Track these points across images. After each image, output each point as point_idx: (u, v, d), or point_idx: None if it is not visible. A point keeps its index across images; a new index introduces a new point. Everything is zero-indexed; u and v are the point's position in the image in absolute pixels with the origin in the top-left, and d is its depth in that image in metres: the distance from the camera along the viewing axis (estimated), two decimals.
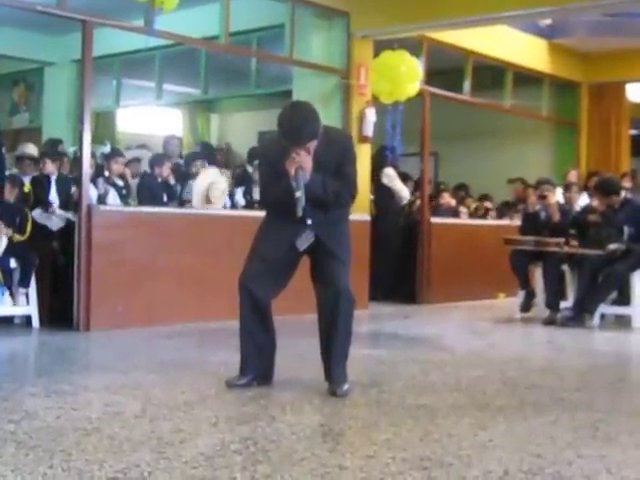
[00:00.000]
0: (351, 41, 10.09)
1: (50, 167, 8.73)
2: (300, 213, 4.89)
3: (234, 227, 8.52)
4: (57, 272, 8.18)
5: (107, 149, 10.04)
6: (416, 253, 10.90)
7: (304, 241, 4.99)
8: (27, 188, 8.43)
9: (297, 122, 4.86)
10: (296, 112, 4.94)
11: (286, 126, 4.88)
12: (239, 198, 9.76)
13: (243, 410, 4.60)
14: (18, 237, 7.87)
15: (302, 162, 4.88)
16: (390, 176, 10.80)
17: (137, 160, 10.22)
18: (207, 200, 8.84)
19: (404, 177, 11.50)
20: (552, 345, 7.92)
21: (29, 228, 7.96)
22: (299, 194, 4.86)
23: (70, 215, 8.31)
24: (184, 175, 9.85)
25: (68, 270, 7.91)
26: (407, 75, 10.00)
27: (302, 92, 10.07)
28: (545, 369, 6.39)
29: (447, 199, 11.92)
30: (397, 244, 10.93)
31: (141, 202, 8.89)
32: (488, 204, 12.68)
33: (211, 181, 8.95)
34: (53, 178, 8.71)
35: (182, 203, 9.33)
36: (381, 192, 10.87)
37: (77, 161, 8.67)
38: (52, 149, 10.01)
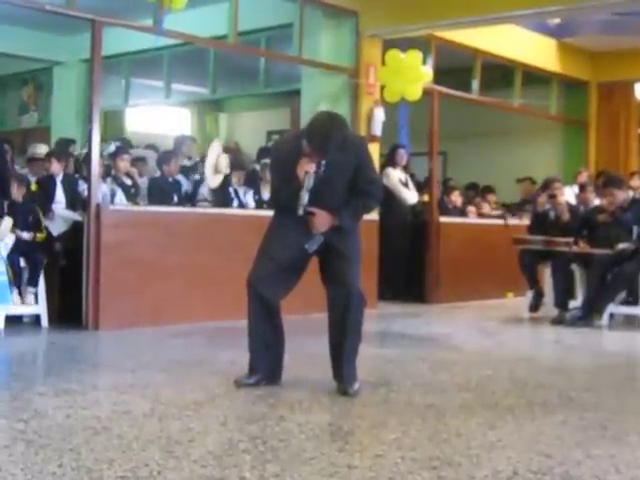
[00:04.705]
0: (360, 40, 10.09)
1: (56, 167, 8.73)
2: (301, 212, 4.95)
3: (243, 226, 8.52)
4: (65, 272, 8.20)
5: (112, 148, 10.05)
6: (425, 253, 10.89)
7: (313, 243, 5.00)
8: (33, 187, 8.45)
9: (326, 134, 4.84)
10: (327, 123, 4.91)
11: (315, 136, 4.87)
12: (249, 200, 9.72)
13: (252, 409, 4.61)
14: (40, 236, 7.92)
15: (310, 167, 4.93)
16: (390, 177, 10.77)
17: (142, 159, 10.22)
18: (216, 170, 9.13)
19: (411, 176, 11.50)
20: (561, 345, 7.90)
21: (44, 225, 8.02)
22: (302, 193, 4.93)
23: (77, 215, 8.33)
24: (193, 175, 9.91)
25: (71, 271, 7.95)
26: (424, 75, 10.02)
27: (311, 91, 10.09)
28: (554, 369, 6.38)
29: (454, 197, 11.86)
30: (404, 243, 10.91)
31: (151, 202, 8.88)
32: (492, 197, 12.62)
33: (219, 153, 9.26)
34: (59, 178, 8.71)
35: (194, 203, 9.34)
36: (384, 192, 10.81)
37: (85, 161, 8.69)
38: (63, 149, 10.01)
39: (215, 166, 9.06)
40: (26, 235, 7.83)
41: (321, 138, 4.84)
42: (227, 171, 9.29)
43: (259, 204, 9.73)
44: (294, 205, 4.96)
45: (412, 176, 11.67)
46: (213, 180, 9.12)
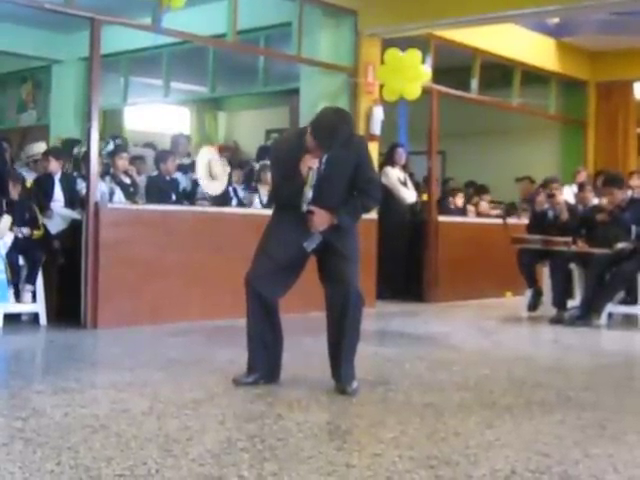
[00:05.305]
0: (359, 39, 10.10)
1: (54, 165, 8.72)
2: (305, 208, 4.97)
3: (241, 225, 8.53)
4: (64, 270, 8.20)
5: (111, 147, 10.05)
6: (423, 252, 10.90)
7: (312, 242, 5.00)
8: (28, 184, 8.44)
9: (333, 127, 4.83)
10: (334, 117, 4.91)
11: (321, 129, 4.85)
12: (256, 204, 9.67)
13: (250, 408, 4.61)
14: (37, 233, 7.92)
15: (314, 163, 4.94)
16: (388, 176, 10.78)
17: (141, 158, 10.21)
18: (212, 177, 8.85)
19: (410, 175, 11.51)
20: (559, 344, 7.91)
21: (41, 222, 8.02)
22: (306, 189, 4.95)
23: (75, 214, 8.33)
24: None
25: (69, 269, 7.95)
26: (423, 74, 10.03)
27: (310, 90, 10.09)
28: (552, 368, 6.39)
29: (458, 199, 11.84)
30: (402, 242, 10.92)
31: (150, 201, 8.87)
32: (487, 197, 12.61)
33: (210, 159, 8.93)
34: (57, 177, 8.70)
35: (193, 202, 9.32)
36: (383, 191, 10.82)
37: (83, 159, 8.69)
38: (69, 150, 10.00)
39: (209, 173, 8.83)
40: (24, 230, 7.82)
41: (328, 131, 4.83)
42: (224, 175, 9.07)
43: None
44: (297, 202, 4.97)
45: (411, 175, 11.68)
46: (210, 187, 8.89)
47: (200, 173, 8.83)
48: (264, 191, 9.65)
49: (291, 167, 4.96)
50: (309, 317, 7.41)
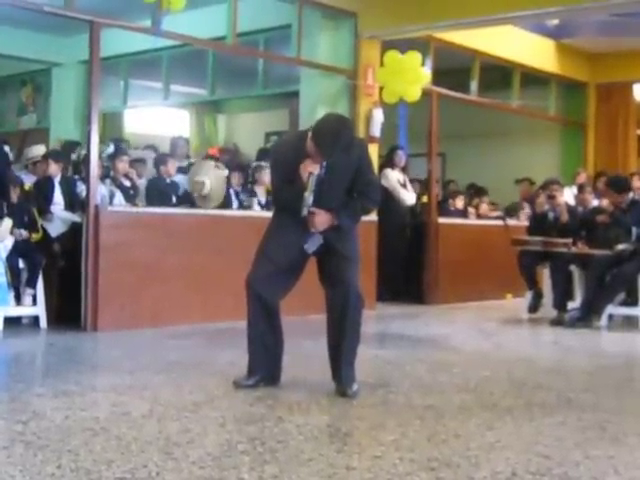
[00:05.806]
0: (358, 42, 10.10)
1: (54, 168, 8.72)
2: (305, 213, 4.97)
3: (242, 228, 8.52)
4: (64, 273, 8.20)
5: (111, 149, 10.05)
6: (423, 254, 10.90)
7: (312, 244, 5.01)
8: (27, 187, 8.45)
9: (335, 133, 4.84)
10: (336, 123, 4.93)
11: (324, 135, 4.85)
12: (255, 206, 9.66)
13: (251, 410, 4.61)
14: (36, 236, 7.93)
15: (314, 168, 4.94)
16: (388, 178, 10.79)
17: (142, 161, 10.21)
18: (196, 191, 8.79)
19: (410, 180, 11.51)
20: (559, 346, 7.90)
21: (39, 225, 8.02)
22: (307, 194, 4.94)
23: (75, 217, 8.33)
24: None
25: (69, 272, 7.95)
26: (423, 76, 10.03)
27: (309, 93, 10.10)
28: (552, 370, 6.39)
29: (459, 201, 11.82)
30: (402, 244, 10.92)
31: (150, 203, 8.87)
32: (485, 199, 12.61)
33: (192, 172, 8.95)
34: (56, 180, 8.70)
35: (193, 204, 9.30)
36: (383, 193, 10.82)
37: (83, 162, 8.68)
38: (67, 152, 9.99)
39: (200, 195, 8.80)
40: (22, 233, 7.82)
41: (329, 138, 4.83)
42: (210, 192, 8.83)
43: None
44: (297, 206, 4.97)
45: (411, 180, 11.66)
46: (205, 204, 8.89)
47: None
48: (261, 191, 9.66)
49: (291, 170, 4.96)
50: (309, 319, 7.41)
